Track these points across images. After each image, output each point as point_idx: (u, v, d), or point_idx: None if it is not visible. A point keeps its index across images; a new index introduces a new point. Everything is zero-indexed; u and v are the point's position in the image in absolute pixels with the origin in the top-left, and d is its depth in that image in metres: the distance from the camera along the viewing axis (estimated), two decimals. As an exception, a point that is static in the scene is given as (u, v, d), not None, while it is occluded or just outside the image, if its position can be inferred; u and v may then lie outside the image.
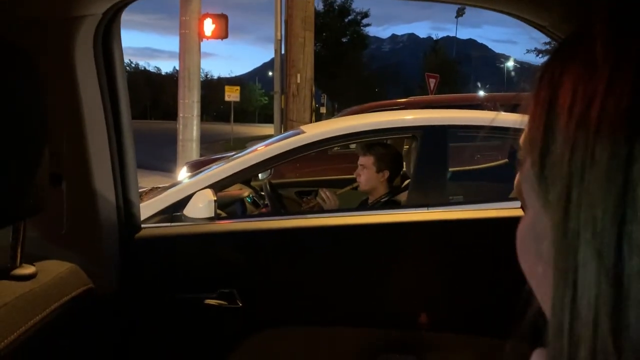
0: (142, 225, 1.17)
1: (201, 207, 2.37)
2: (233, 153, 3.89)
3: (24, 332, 0.64)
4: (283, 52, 10.56)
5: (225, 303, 1.11)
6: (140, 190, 3.60)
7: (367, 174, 2.67)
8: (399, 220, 1.21)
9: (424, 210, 2.42)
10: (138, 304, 1.12)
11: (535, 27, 0.95)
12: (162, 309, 1.14)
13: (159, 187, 3.35)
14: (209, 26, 8.41)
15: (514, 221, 0.34)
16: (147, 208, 2.49)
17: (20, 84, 0.66)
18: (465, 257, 1.13)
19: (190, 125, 8.62)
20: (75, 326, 0.82)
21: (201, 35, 8.45)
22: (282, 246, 1.18)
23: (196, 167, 5.32)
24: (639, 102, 0.23)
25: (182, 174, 5.52)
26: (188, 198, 2.46)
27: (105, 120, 1.05)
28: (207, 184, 2.54)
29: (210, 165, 3.26)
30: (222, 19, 8.58)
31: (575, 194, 0.24)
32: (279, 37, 11.06)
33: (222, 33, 8.56)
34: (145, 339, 1.13)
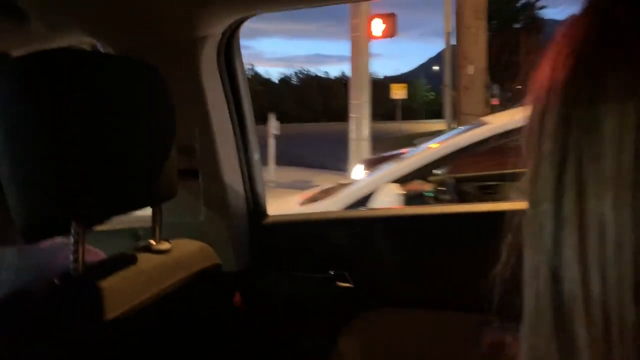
0: (269, 214, 1.30)
1: (388, 201, 2.41)
2: (412, 148, 3.87)
3: (155, 294, 0.75)
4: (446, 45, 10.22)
5: (343, 283, 1.18)
6: (317, 188, 3.75)
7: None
8: (512, 208, 1.11)
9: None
10: (263, 281, 1.24)
11: None
12: (283, 286, 1.23)
13: (343, 184, 3.50)
14: (378, 26, 8.52)
15: None
16: (335, 204, 2.62)
17: (150, 95, 0.77)
18: None
19: (361, 125, 8.84)
20: (201, 296, 0.91)
21: (370, 36, 8.62)
22: (394, 232, 1.21)
23: (372, 164, 5.42)
24: None
25: (358, 171, 5.69)
26: (373, 193, 2.52)
27: (232, 124, 1.20)
28: (391, 179, 2.57)
29: (391, 161, 3.30)
30: (391, 18, 8.63)
31: None
32: (448, 30, 10.77)
33: (392, 31, 8.61)
34: (264, 313, 1.24)
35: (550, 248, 0.25)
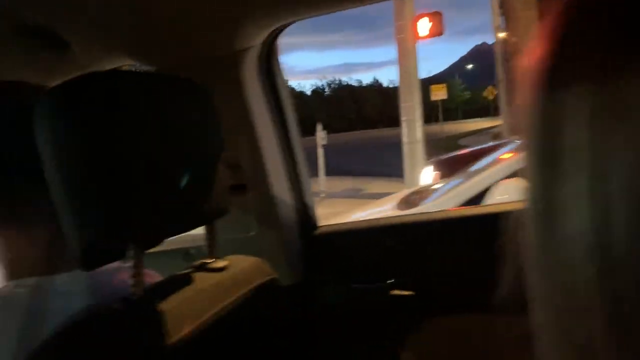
0: (319, 224, 1.29)
1: (508, 197, 2.29)
2: (495, 142, 3.71)
3: (216, 313, 0.74)
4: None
5: (402, 291, 1.14)
6: (403, 192, 3.65)
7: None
8: None
9: None
10: (318, 292, 1.22)
11: None
12: (340, 296, 1.21)
13: (431, 187, 3.38)
14: (425, 25, 8.40)
15: None
16: (444, 204, 2.50)
17: (197, 112, 0.75)
18: None
19: (414, 127, 8.68)
20: (261, 311, 0.90)
21: (417, 37, 8.48)
22: (452, 235, 1.16)
23: (442, 165, 5.28)
24: None
25: (427, 172, 5.54)
26: (488, 190, 2.40)
27: (277, 135, 1.21)
28: (503, 176, 2.45)
29: (493, 155, 3.19)
30: (437, 16, 8.50)
31: None
32: (497, 24, 10.51)
33: (439, 30, 8.48)
34: (323, 325, 1.22)
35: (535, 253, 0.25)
